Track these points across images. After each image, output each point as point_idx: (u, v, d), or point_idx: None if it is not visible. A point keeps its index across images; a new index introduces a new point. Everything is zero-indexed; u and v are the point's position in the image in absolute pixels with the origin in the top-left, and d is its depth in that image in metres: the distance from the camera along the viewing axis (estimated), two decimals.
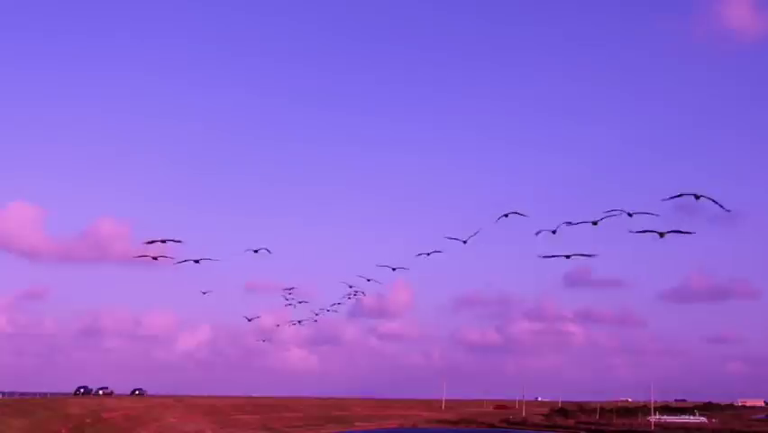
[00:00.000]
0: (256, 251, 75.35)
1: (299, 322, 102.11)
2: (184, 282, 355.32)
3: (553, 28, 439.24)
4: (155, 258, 60.31)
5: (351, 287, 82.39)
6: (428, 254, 61.51)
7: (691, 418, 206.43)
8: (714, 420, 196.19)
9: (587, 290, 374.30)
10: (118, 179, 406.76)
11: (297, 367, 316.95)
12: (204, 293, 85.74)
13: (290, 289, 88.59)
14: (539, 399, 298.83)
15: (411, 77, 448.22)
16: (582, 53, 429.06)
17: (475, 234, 54.30)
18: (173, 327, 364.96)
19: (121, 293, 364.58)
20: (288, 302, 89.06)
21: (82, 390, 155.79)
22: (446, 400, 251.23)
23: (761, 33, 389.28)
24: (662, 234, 42.52)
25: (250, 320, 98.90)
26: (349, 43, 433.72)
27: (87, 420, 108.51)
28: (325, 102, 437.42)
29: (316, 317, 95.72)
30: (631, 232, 43.13)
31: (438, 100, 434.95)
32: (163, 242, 59.91)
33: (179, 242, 60.08)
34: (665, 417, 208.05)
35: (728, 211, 40.16)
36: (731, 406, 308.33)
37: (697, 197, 40.74)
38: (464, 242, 54.84)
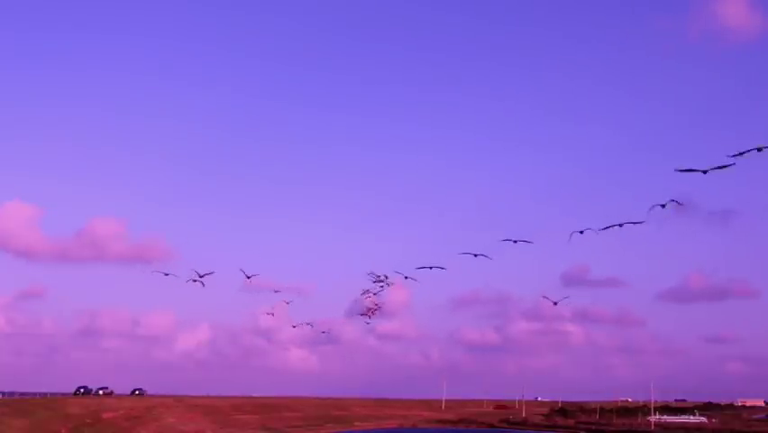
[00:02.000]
0: (249, 277, 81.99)
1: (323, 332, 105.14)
2: (181, 282, 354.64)
3: (550, 28, 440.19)
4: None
5: (378, 279, 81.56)
6: (514, 241, 63.18)
7: (691, 418, 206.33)
8: (714, 420, 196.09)
9: (585, 290, 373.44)
10: (114, 178, 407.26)
11: (296, 367, 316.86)
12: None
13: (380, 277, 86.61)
14: (539, 399, 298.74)
15: (410, 77, 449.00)
16: (579, 53, 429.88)
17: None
18: (172, 326, 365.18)
19: (118, 293, 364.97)
20: (379, 287, 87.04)
21: (82, 390, 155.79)
22: (446, 400, 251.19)
23: (757, 32, 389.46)
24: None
25: (277, 291, 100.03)
26: (348, 44, 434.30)
27: (87, 420, 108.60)
28: (325, 102, 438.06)
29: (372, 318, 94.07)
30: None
31: (438, 100, 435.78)
32: (201, 276, 76.04)
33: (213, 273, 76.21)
34: (665, 417, 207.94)
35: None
36: (731, 406, 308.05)
37: (760, 149, 42.42)
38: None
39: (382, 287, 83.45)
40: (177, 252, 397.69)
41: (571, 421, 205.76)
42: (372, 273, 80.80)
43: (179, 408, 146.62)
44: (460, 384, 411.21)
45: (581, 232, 56.14)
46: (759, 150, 42.07)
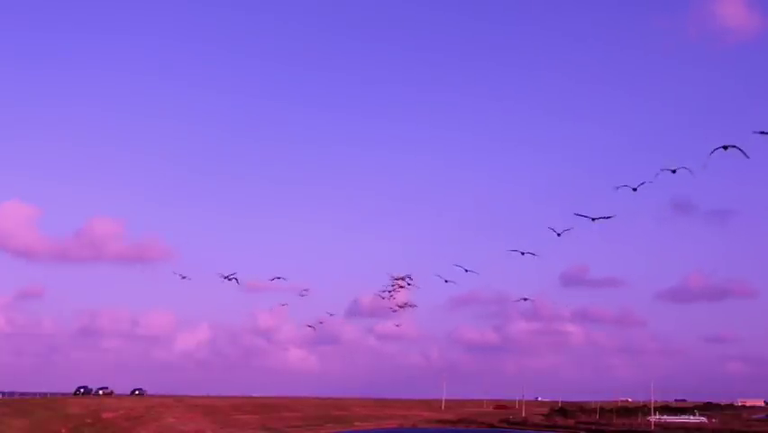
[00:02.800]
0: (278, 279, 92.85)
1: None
2: (181, 282, 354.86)
3: (549, 27, 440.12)
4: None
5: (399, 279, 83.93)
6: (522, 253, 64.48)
7: (691, 418, 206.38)
8: (714, 420, 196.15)
9: (584, 290, 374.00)
10: (113, 178, 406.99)
11: (296, 367, 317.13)
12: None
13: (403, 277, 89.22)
14: (539, 399, 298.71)
15: (410, 77, 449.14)
16: (578, 52, 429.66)
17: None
18: (171, 326, 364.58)
19: (117, 293, 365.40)
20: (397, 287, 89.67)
21: (82, 390, 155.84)
22: (446, 400, 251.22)
23: (755, 32, 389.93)
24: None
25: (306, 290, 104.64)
26: (348, 44, 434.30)
27: (87, 420, 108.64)
28: (325, 102, 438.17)
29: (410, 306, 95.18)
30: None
31: (438, 100, 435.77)
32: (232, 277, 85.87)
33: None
34: (665, 417, 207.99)
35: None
36: (731, 406, 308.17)
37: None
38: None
39: (394, 288, 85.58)
40: (176, 252, 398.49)
41: (571, 421, 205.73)
42: (393, 276, 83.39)
43: (179, 408, 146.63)
44: (460, 384, 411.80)
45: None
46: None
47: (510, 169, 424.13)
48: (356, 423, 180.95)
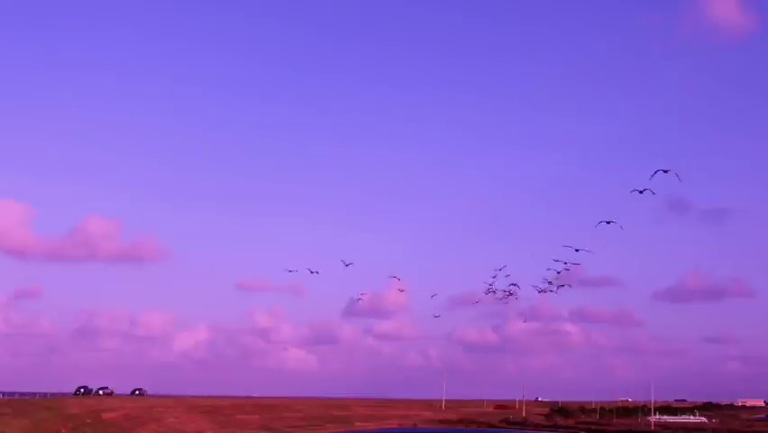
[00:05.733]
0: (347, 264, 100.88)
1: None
2: (177, 282, 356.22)
3: (542, 26, 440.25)
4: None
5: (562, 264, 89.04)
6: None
7: (691, 418, 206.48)
8: (714, 420, 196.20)
9: (580, 290, 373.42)
10: (107, 177, 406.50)
11: (296, 367, 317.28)
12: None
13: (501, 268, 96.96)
14: (539, 399, 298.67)
15: (411, 77, 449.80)
16: (571, 51, 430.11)
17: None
18: (170, 326, 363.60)
19: (114, 292, 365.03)
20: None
21: (82, 390, 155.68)
22: (446, 400, 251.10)
23: (747, 30, 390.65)
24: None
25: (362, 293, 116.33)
26: (349, 44, 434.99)
27: (87, 420, 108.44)
28: (325, 102, 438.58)
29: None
30: None
31: (438, 100, 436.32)
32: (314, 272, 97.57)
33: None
34: (665, 417, 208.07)
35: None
36: (731, 406, 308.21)
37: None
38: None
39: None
40: (172, 251, 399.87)
41: (571, 421, 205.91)
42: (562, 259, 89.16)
43: (179, 408, 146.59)
44: (459, 384, 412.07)
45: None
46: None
47: (510, 169, 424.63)
48: (357, 423, 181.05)
